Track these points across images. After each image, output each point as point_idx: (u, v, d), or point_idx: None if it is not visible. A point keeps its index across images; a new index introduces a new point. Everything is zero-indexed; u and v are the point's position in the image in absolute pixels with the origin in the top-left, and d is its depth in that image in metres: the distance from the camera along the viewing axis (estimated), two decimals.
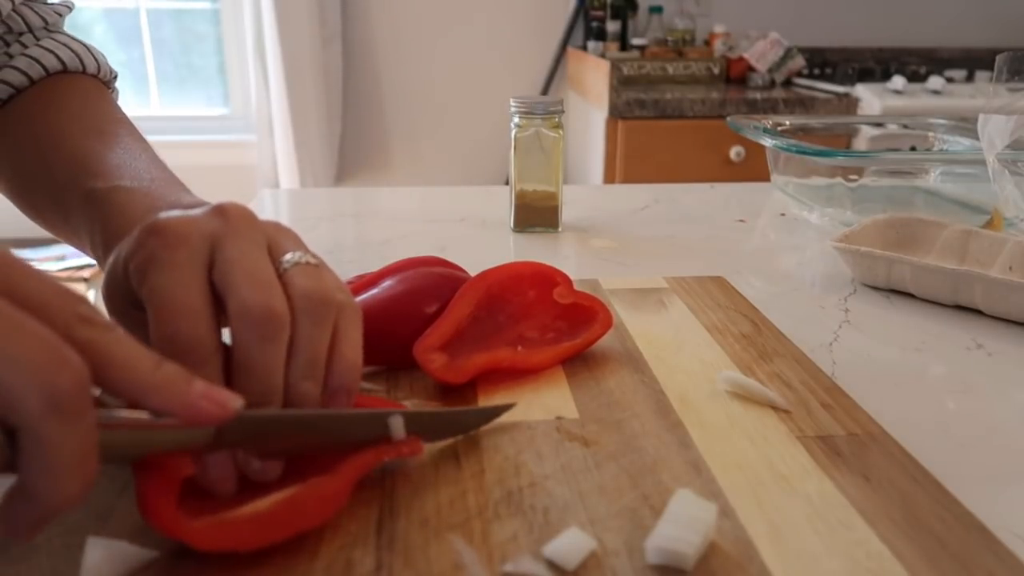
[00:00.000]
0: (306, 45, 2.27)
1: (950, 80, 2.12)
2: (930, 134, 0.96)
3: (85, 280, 2.03)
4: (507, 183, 0.79)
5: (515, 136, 0.74)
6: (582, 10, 2.40)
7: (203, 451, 0.31)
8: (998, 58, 0.72)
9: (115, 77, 0.61)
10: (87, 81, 0.57)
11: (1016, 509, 0.35)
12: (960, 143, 0.91)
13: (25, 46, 0.55)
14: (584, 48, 2.36)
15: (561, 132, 0.74)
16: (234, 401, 0.29)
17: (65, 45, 0.56)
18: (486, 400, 0.42)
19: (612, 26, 2.32)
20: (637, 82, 2.17)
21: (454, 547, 0.31)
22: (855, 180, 0.80)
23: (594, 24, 2.34)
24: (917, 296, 0.60)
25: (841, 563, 0.30)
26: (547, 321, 0.49)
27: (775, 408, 0.42)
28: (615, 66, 2.00)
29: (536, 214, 0.77)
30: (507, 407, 0.40)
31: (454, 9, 2.43)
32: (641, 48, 2.27)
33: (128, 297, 0.35)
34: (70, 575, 0.29)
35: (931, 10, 2.53)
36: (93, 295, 2.05)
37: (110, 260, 0.36)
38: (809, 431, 0.39)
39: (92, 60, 0.57)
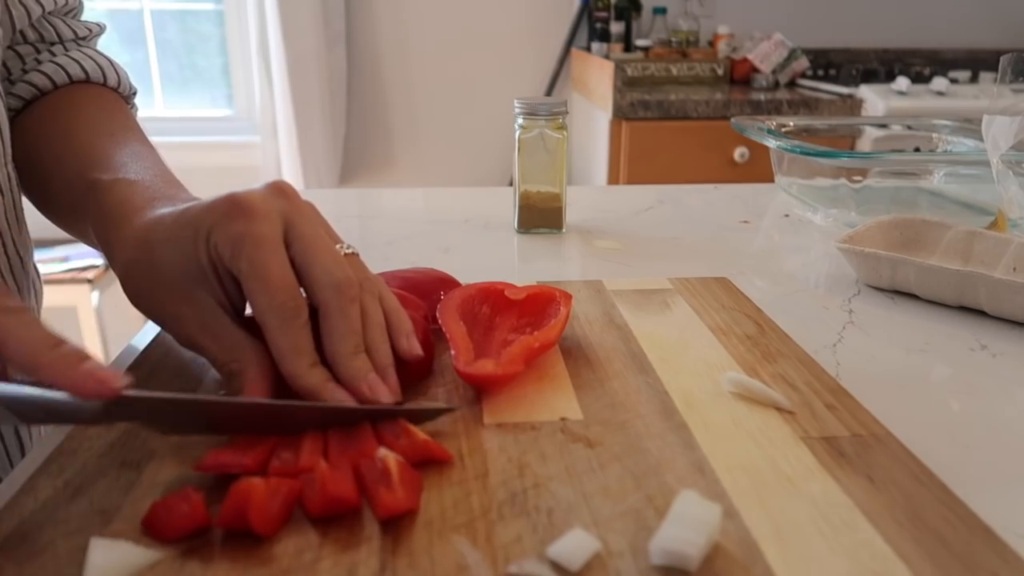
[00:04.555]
0: (310, 46, 2.27)
1: (954, 81, 2.12)
2: (934, 135, 0.96)
3: (89, 281, 2.03)
4: (511, 184, 0.79)
5: (519, 137, 0.74)
6: (586, 11, 2.40)
7: (92, 423, 0.35)
8: (1002, 59, 0.72)
9: (134, 93, 0.64)
10: (106, 92, 0.61)
11: (1020, 510, 0.35)
12: (964, 144, 0.91)
13: (54, 55, 0.59)
14: (588, 49, 2.36)
15: (565, 133, 0.74)
16: (116, 381, 0.33)
17: (91, 58, 0.60)
18: (492, 404, 0.42)
19: (616, 27, 2.32)
20: (641, 83, 2.17)
21: (458, 548, 0.31)
22: (859, 181, 0.80)
23: (598, 25, 2.34)
24: (921, 297, 0.60)
25: (845, 564, 0.30)
26: (515, 323, 0.49)
27: (779, 409, 0.42)
28: (619, 67, 2.00)
29: (540, 215, 0.77)
30: (448, 409, 0.41)
31: (458, 11, 2.43)
32: (645, 49, 2.27)
33: (195, 261, 0.39)
34: None
35: (935, 11, 2.53)
36: (96, 297, 2.05)
37: (186, 231, 0.40)
38: (813, 432, 0.39)
39: (114, 74, 0.61)
